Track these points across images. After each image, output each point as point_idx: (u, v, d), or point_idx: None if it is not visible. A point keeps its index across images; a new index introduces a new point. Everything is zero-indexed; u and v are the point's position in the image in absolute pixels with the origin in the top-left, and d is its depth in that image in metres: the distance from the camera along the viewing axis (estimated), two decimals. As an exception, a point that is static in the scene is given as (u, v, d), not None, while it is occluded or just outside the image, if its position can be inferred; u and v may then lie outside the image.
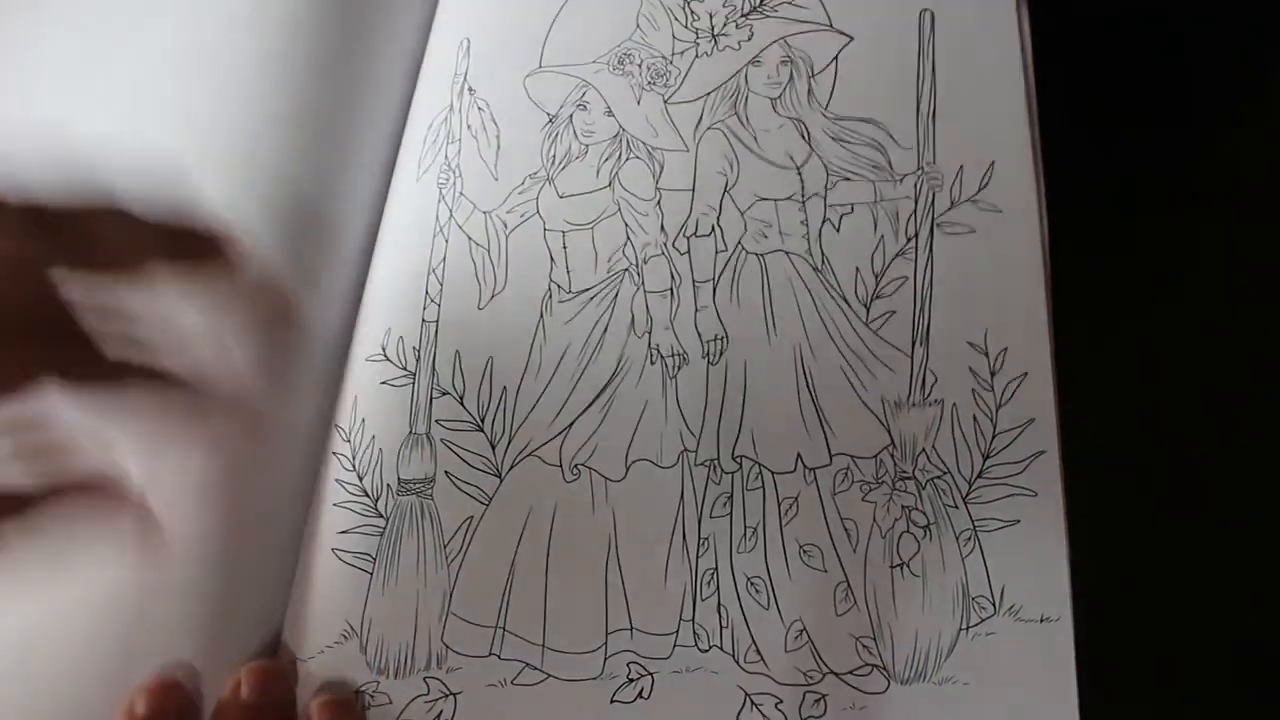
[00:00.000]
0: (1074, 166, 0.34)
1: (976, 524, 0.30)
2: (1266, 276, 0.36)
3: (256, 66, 0.39)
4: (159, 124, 0.39)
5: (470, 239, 0.35)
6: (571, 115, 0.36)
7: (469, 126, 0.37)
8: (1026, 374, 0.31)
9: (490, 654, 0.32)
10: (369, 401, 0.34)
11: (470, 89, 0.37)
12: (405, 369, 0.34)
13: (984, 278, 0.32)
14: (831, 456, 0.31)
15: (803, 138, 0.35)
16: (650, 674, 0.31)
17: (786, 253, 0.34)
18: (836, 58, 0.36)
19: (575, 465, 0.33)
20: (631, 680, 0.31)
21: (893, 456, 0.31)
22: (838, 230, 0.34)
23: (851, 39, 0.36)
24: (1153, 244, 0.37)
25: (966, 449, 0.31)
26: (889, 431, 0.31)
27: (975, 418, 0.31)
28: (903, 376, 0.32)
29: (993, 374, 0.31)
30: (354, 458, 0.34)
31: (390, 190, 0.38)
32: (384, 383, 0.35)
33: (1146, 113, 0.39)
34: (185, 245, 0.28)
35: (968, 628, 0.29)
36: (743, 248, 0.34)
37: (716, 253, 0.34)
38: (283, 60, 0.39)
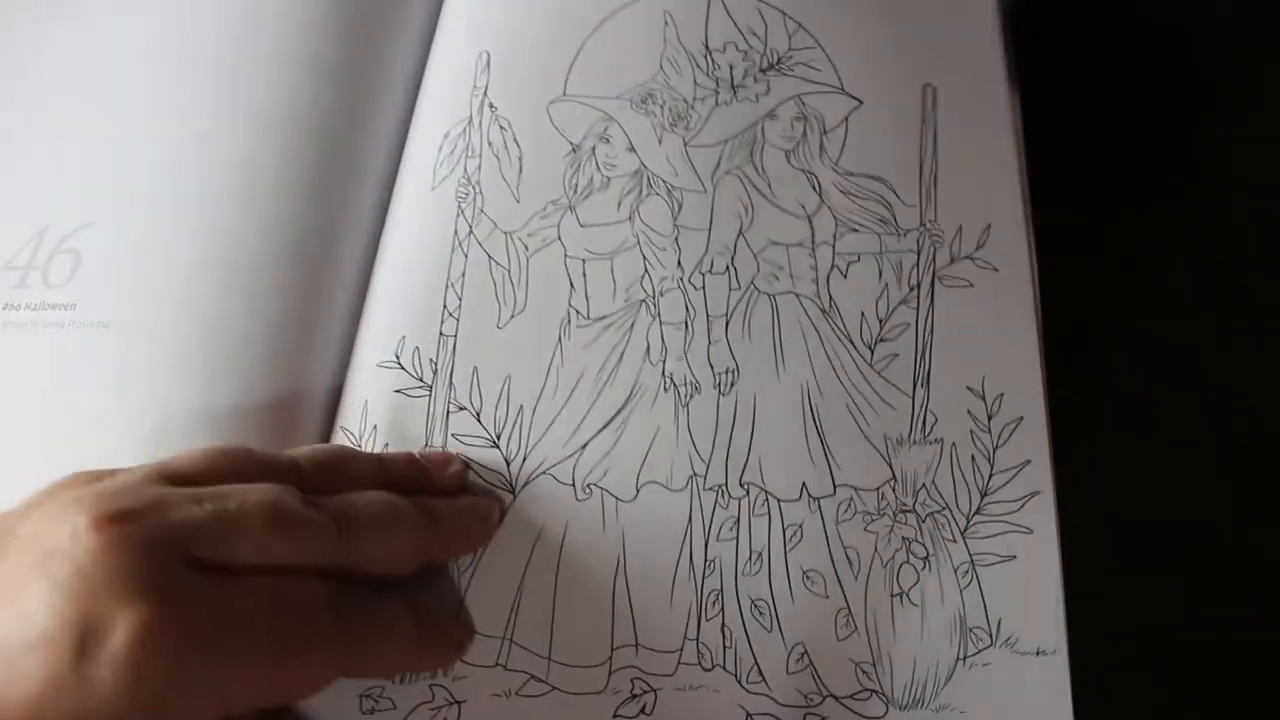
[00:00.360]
0: (1070, 170, 0.39)
1: (974, 558, 0.34)
2: (1265, 302, 0.41)
3: (258, 69, 0.41)
4: (160, 126, 0.41)
5: (491, 257, 0.38)
6: (594, 147, 0.40)
7: (490, 144, 0.40)
8: (1022, 418, 0.35)
9: (496, 664, 0.34)
10: (383, 409, 0.37)
11: (491, 105, 0.40)
12: (421, 381, 0.37)
13: (981, 328, 0.36)
14: (835, 487, 0.35)
15: (814, 189, 0.39)
16: (654, 690, 0.34)
17: (796, 295, 0.38)
18: (847, 119, 0.40)
19: (588, 485, 0.36)
20: (635, 696, 0.34)
21: (894, 490, 0.35)
22: (845, 276, 0.38)
23: (861, 103, 0.40)
24: (1148, 254, 0.42)
25: (965, 486, 0.35)
26: (890, 466, 0.35)
27: (973, 457, 0.35)
28: (904, 416, 0.36)
29: (990, 417, 0.35)
30: (366, 465, 0.36)
31: (397, 192, 0.41)
32: (399, 391, 0.37)
33: (1142, 113, 0.44)
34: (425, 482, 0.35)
35: (965, 657, 0.33)
36: (755, 287, 0.38)
37: (730, 290, 0.38)
38: (283, 63, 0.41)
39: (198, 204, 0.39)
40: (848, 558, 0.35)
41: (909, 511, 0.35)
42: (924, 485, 0.35)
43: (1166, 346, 0.41)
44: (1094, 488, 0.36)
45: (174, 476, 0.29)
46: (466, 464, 0.36)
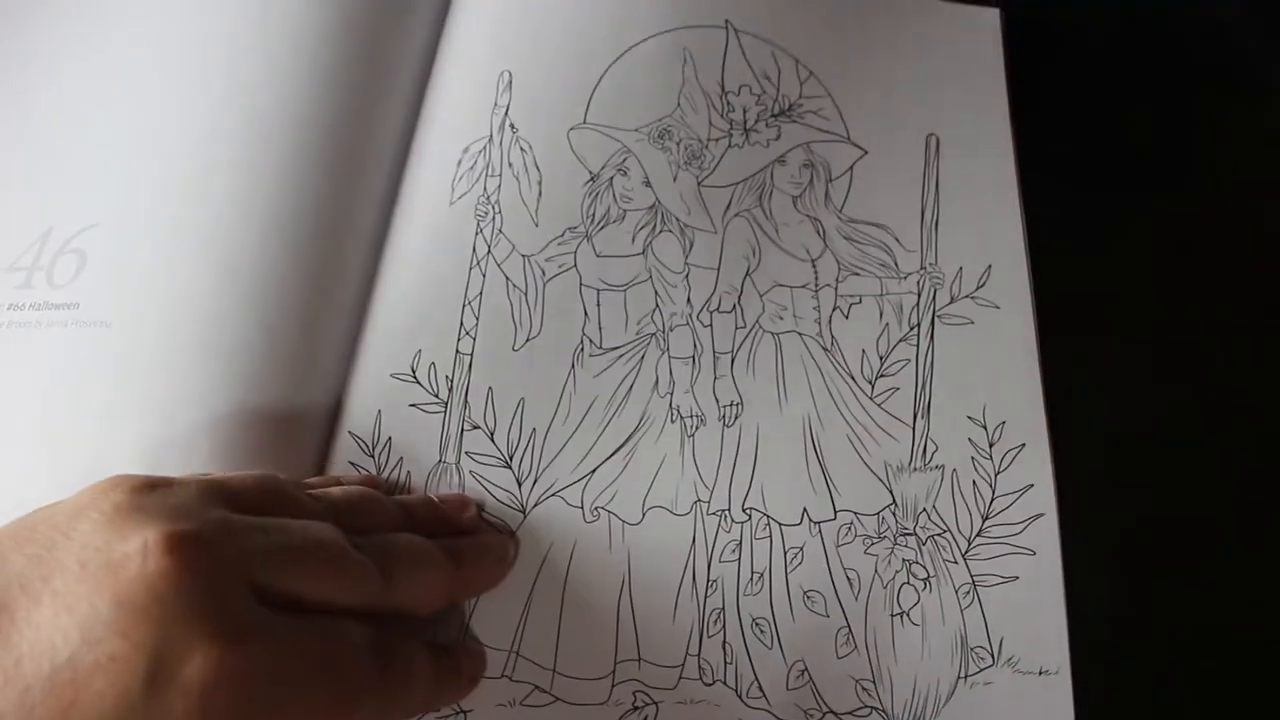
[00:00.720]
0: (1070, 170, 0.43)
1: (975, 579, 0.38)
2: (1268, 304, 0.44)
3: (262, 72, 0.44)
4: (165, 128, 0.44)
5: (508, 279, 0.41)
6: (612, 178, 0.43)
7: (510, 164, 0.43)
8: (1024, 444, 0.39)
9: (503, 675, 0.37)
10: (397, 422, 0.40)
11: (512, 125, 0.44)
12: (437, 397, 0.40)
13: (982, 361, 0.41)
14: (836, 512, 0.39)
15: (818, 234, 0.43)
16: (655, 703, 0.37)
17: (799, 334, 0.42)
18: (852, 167, 0.44)
19: (595, 508, 0.39)
20: (636, 708, 0.37)
21: (894, 514, 0.39)
22: (846, 317, 0.42)
23: (866, 153, 0.45)
24: (1149, 255, 0.46)
25: (966, 510, 0.39)
26: (891, 492, 0.39)
27: (975, 482, 0.39)
28: (905, 445, 0.40)
29: (991, 444, 0.40)
30: (380, 475, 0.39)
31: (409, 201, 0.44)
32: (414, 406, 0.40)
33: (1143, 113, 0.48)
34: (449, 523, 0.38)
35: (966, 676, 0.37)
36: (760, 326, 0.42)
37: (736, 328, 0.42)
38: (287, 66, 0.45)
39: (201, 205, 0.42)
40: (848, 578, 0.38)
41: (909, 534, 0.39)
42: (925, 509, 0.39)
43: (1168, 346, 0.45)
44: (1092, 488, 0.39)
45: (229, 498, 0.31)
46: (481, 507, 0.39)
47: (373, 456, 0.40)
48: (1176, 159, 0.48)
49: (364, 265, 0.43)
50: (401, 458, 0.40)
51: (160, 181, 0.43)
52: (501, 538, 0.39)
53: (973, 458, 0.40)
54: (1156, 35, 0.50)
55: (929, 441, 0.40)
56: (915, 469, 0.40)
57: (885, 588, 0.38)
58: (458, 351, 0.41)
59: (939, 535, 0.39)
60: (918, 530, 0.39)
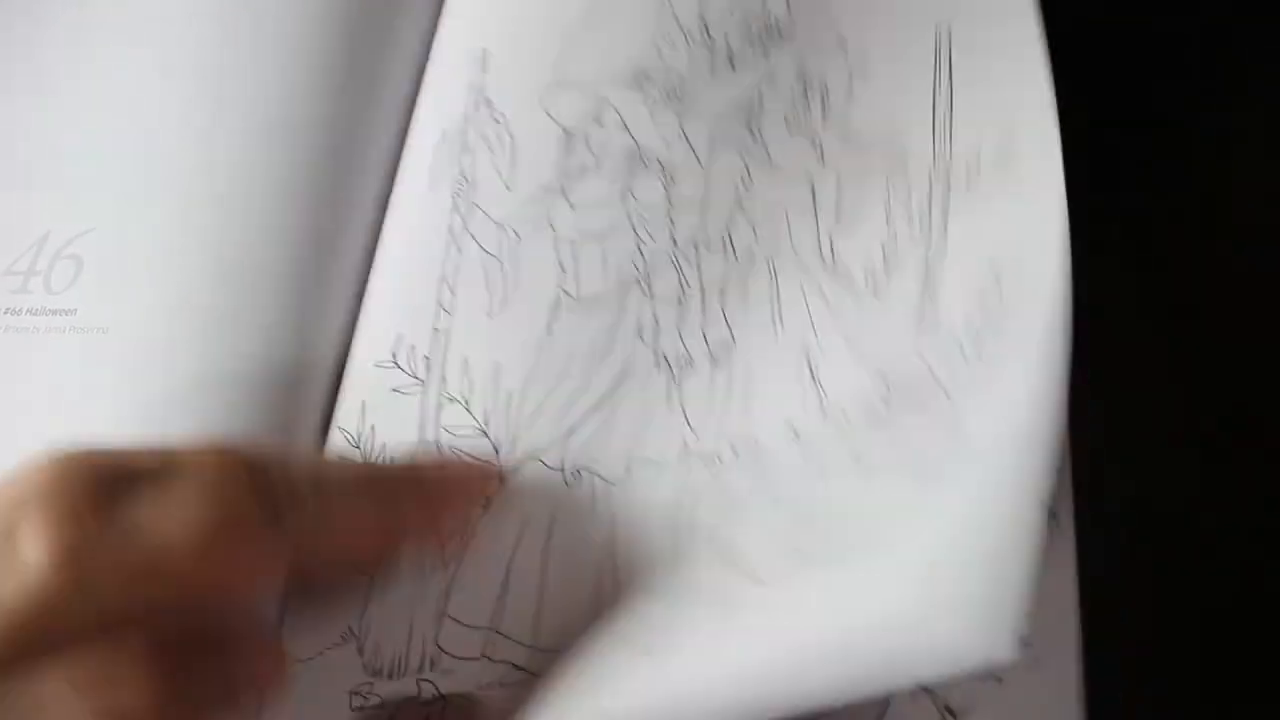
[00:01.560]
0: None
1: None
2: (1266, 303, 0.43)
3: (259, 71, 0.46)
4: (161, 130, 0.46)
5: (483, 248, 0.41)
6: (587, 131, 0.42)
7: (484, 138, 0.43)
8: None
9: (482, 656, 0.36)
10: (379, 410, 0.41)
11: (488, 101, 0.44)
12: (416, 377, 0.40)
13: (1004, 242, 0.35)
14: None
15: (815, 150, 0.40)
16: (641, 658, 0.34)
17: (796, 256, 0.39)
18: (851, 75, 0.41)
19: (576, 469, 0.38)
20: (622, 672, 0.35)
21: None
22: (849, 234, 0.38)
23: (866, 58, 0.41)
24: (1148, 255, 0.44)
25: None
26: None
27: None
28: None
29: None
30: (363, 462, 0.39)
31: (395, 193, 0.45)
32: (395, 390, 0.40)
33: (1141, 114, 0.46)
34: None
35: None
36: (753, 256, 0.39)
37: (726, 262, 0.39)
38: (285, 64, 0.46)
39: (199, 208, 0.44)
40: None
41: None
42: None
43: (1168, 346, 0.43)
44: (1091, 490, 0.36)
45: None
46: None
47: (358, 448, 0.40)
48: (1176, 159, 0.46)
49: (363, 263, 0.45)
50: (385, 443, 0.40)
51: (156, 183, 0.45)
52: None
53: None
54: (1156, 35, 0.49)
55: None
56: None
57: None
58: (435, 329, 0.41)
59: None
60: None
